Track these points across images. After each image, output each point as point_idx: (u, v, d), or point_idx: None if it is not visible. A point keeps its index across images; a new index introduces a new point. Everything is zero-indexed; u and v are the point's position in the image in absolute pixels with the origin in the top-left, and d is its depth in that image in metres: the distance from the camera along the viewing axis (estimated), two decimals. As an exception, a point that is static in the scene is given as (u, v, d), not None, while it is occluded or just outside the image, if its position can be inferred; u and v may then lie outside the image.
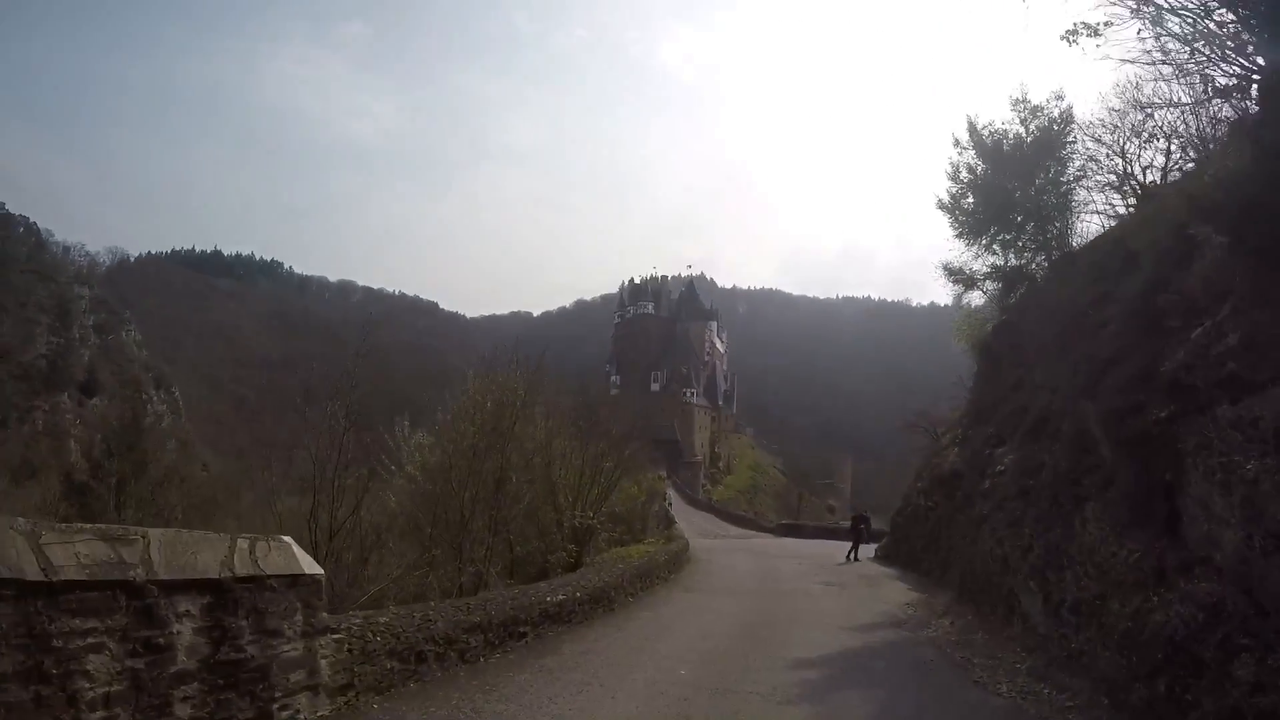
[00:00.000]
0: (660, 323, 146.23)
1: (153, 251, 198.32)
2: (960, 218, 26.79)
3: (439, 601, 10.82)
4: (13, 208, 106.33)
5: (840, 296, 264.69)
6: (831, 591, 19.24)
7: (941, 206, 27.21)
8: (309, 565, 7.12)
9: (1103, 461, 11.45)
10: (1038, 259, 25.57)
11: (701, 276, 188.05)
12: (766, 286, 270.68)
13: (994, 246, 26.49)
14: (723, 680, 9.42)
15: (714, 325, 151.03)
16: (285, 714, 6.75)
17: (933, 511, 23.76)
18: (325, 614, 7.32)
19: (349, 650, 7.56)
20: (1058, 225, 24.56)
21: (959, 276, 27.68)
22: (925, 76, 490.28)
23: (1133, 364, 12.08)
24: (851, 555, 29.22)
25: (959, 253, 27.14)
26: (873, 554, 29.53)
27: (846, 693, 9.23)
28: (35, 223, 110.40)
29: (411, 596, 14.34)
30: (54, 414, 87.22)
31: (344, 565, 14.75)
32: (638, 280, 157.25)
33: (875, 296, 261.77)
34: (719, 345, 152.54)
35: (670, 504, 51.93)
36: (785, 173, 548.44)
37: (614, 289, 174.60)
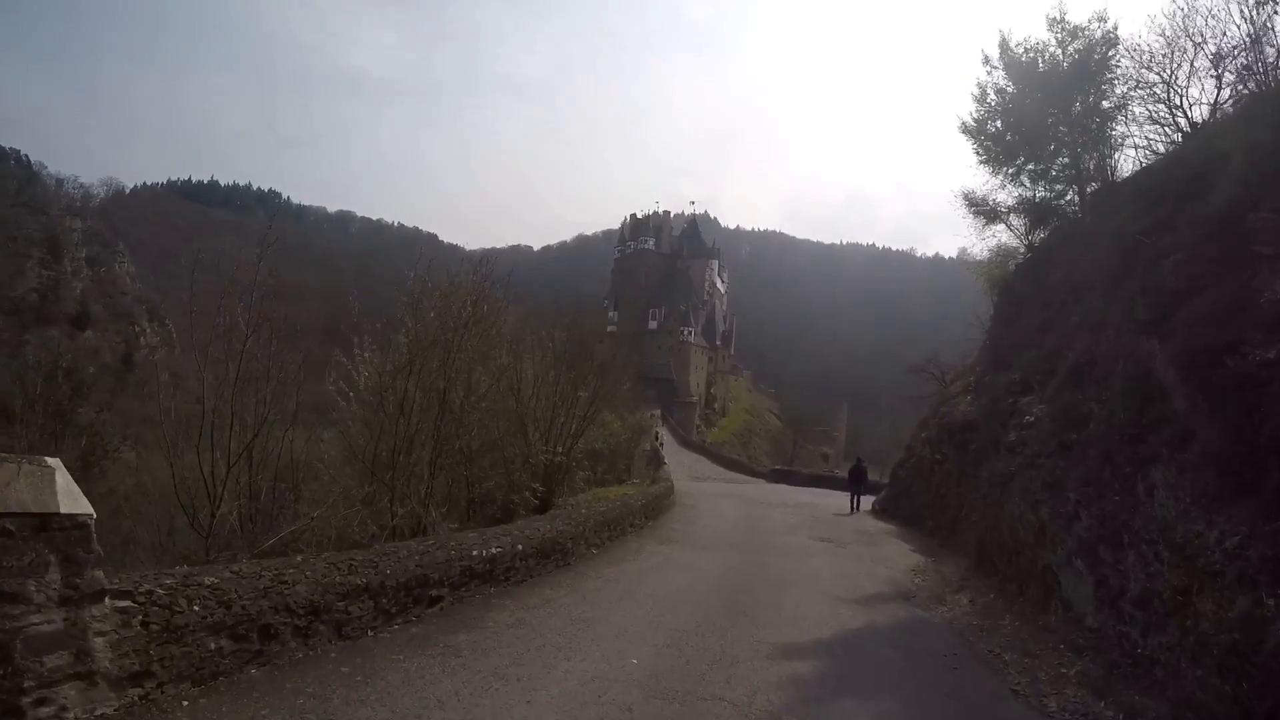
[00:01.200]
0: (660, 259, 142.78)
1: (148, 182, 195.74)
2: (985, 143, 24.56)
3: (310, 555, 8.38)
4: (2, 141, 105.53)
5: (844, 242, 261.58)
6: (827, 549, 17.03)
7: (965, 130, 24.87)
8: (70, 502, 4.77)
9: (1175, 414, 9.16)
10: (1070, 192, 23.34)
11: (705, 215, 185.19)
12: (769, 229, 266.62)
13: (1022, 177, 24.27)
14: (686, 676, 7.13)
15: (715, 264, 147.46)
16: (45, 711, 4.59)
17: (940, 465, 21.65)
18: (99, 572, 4.98)
19: (145, 624, 5.26)
20: (1095, 156, 22.28)
21: (981, 207, 25.37)
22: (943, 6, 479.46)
23: (1215, 296, 9.77)
24: (854, 506, 28.18)
25: (984, 181, 24.98)
26: (870, 507, 27.89)
27: (847, 703, 6.92)
28: (26, 155, 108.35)
29: (338, 543, 12.09)
30: (45, 348, 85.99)
31: (264, 504, 12.57)
32: (640, 215, 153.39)
33: (879, 244, 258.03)
34: (719, 285, 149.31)
35: (662, 443, 49.95)
36: (793, 113, 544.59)
37: (616, 225, 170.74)
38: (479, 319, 14.89)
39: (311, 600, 6.73)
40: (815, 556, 15.81)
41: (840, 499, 30.29)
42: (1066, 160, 23.12)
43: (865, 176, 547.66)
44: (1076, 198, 23.06)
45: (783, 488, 42.60)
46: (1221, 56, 17.78)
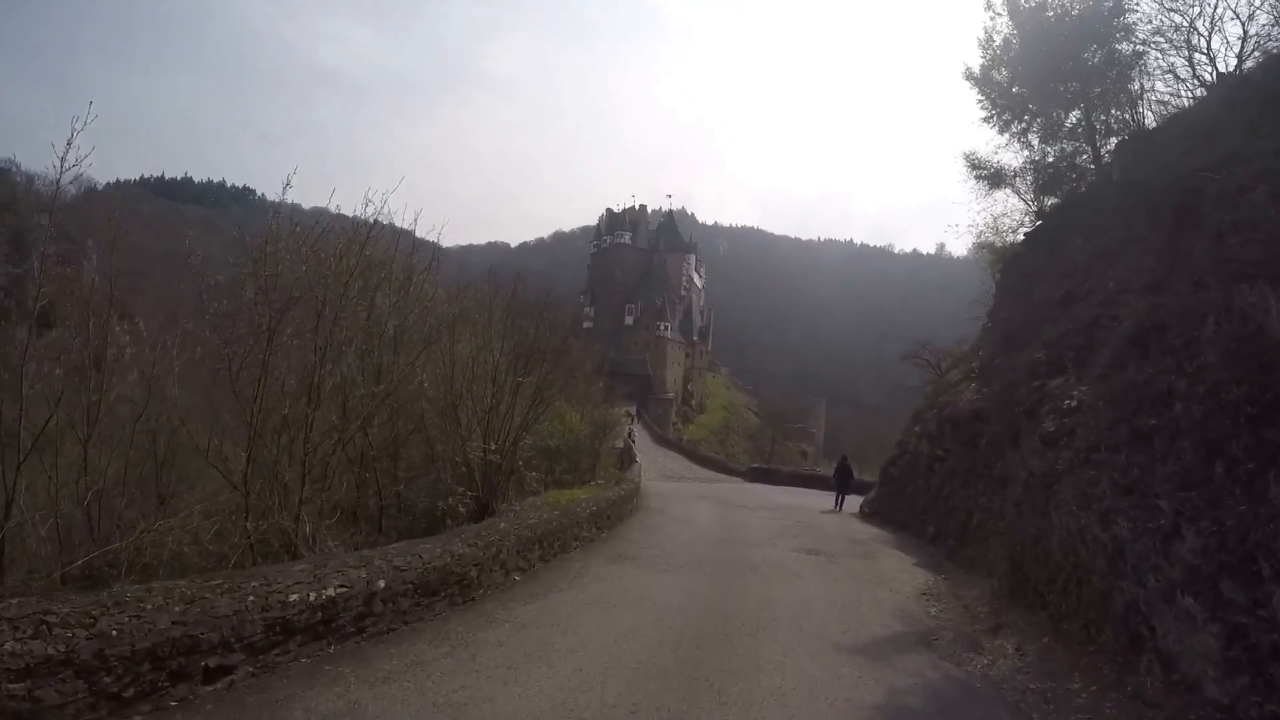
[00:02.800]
0: (637, 253, 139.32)
1: (121, 179, 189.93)
2: (990, 94, 21.75)
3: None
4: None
5: (822, 238, 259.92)
6: (816, 566, 13.95)
7: (969, 78, 22.27)
8: None
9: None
10: (1084, 152, 20.77)
11: (682, 210, 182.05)
12: (747, 225, 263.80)
13: (1030, 137, 21.62)
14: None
15: (692, 258, 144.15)
16: None
17: (942, 462, 18.77)
18: None
19: None
20: (1122, 102, 19.73)
21: (984, 170, 22.56)
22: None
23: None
24: (838, 505, 26.30)
25: (987, 139, 22.77)
26: (858, 508, 25.25)
27: None
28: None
29: (170, 570, 9.00)
30: (10, 347, 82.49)
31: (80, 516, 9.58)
32: (616, 209, 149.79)
33: (857, 240, 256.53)
34: (697, 279, 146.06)
35: (634, 440, 47.09)
36: (768, 109, 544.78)
37: (593, 221, 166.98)
38: (370, 270, 11.69)
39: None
40: (803, 577, 12.71)
41: (824, 499, 28.05)
42: (1079, 116, 20.55)
43: (841, 173, 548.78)
44: (1092, 158, 20.42)
45: (761, 488, 39.59)
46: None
